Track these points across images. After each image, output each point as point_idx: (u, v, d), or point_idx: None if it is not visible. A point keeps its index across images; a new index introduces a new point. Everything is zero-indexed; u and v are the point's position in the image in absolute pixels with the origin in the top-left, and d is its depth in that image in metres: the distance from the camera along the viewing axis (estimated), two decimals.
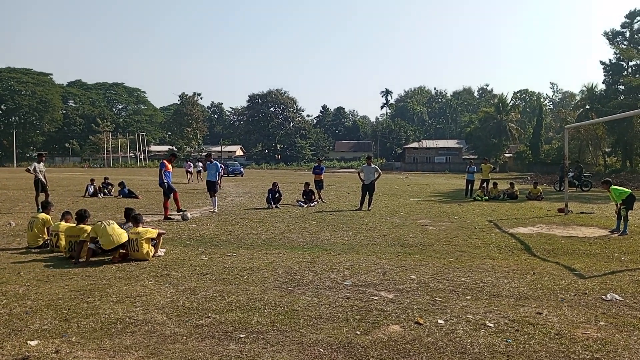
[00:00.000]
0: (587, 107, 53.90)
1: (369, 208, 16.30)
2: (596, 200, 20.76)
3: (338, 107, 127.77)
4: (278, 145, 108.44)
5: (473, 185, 22.26)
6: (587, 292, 6.23)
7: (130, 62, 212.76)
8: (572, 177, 26.18)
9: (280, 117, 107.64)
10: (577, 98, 76.00)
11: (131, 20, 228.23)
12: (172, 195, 13.83)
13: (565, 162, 17.14)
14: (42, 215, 9.38)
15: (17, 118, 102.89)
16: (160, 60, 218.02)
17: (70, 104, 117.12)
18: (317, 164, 20.30)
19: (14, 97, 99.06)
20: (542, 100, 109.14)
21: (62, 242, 8.51)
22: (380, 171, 17.12)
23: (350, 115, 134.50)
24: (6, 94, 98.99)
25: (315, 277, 6.92)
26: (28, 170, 15.30)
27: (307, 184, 18.76)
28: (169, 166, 14.10)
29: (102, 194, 21.41)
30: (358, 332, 4.73)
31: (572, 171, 26.48)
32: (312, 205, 17.56)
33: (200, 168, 34.54)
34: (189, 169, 35.31)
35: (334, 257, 8.46)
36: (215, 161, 16.40)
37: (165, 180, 13.73)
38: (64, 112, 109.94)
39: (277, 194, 17.28)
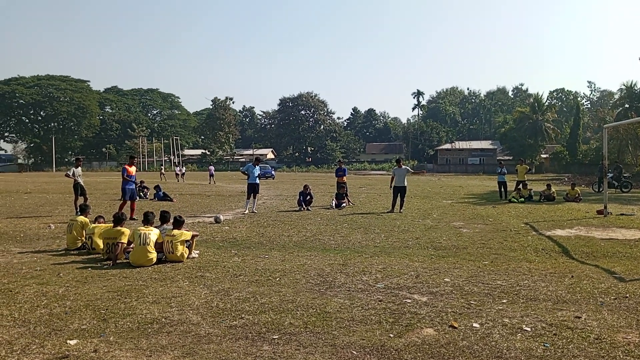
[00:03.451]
0: (627, 105, 52.48)
1: (401, 210, 16.19)
2: (636, 201, 20.12)
3: (369, 109, 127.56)
4: (309, 148, 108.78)
5: (506, 187, 21.85)
6: (627, 295, 6.04)
7: (165, 68, 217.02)
8: (611, 177, 25.45)
9: (311, 119, 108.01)
10: (616, 97, 74.00)
11: (165, 27, 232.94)
12: (128, 200, 14.26)
13: (604, 162, 16.65)
14: (81, 218, 9.63)
15: (56, 124, 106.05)
16: (193, 66, 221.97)
17: (107, 109, 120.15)
18: (338, 167, 20.14)
19: (52, 104, 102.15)
20: (579, 99, 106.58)
21: (98, 244, 8.72)
22: (411, 170, 17.11)
23: (381, 117, 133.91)
24: (45, 100, 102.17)
25: (347, 280, 6.90)
26: (67, 175, 15.74)
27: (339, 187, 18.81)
28: (130, 170, 14.41)
29: (137, 197, 21.85)
30: (391, 335, 4.69)
31: (611, 172, 25.74)
32: (342, 207, 17.54)
33: (184, 171, 47.11)
34: (176, 172, 46.04)
35: (365, 259, 8.43)
36: (258, 165, 16.63)
37: (129, 187, 14.24)
38: (101, 117, 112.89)
39: (309, 197, 17.32)
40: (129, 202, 14.40)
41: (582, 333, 4.71)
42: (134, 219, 13.56)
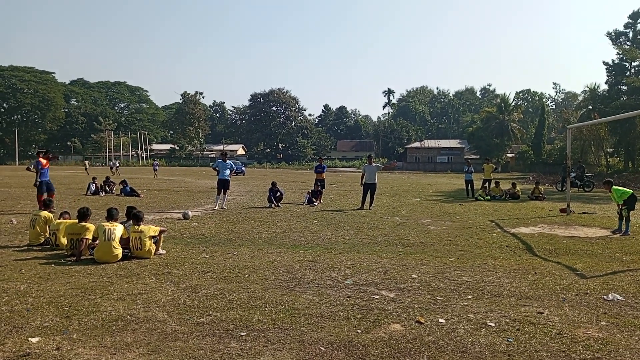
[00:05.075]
0: (590, 107, 53.85)
1: (371, 207, 16.29)
2: (598, 200, 20.72)
3: (340, 107, 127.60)
4: (280, 145, 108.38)
5: (473, 185, 22.21)
6: (588, 292, 6.22)
7: (133, 60, 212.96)
8: (574, 177, 26.14)
9: (282, 116, 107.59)
10: (580, 98, 75.97)
11: (133, 19, 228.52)
12: (45, 192, 14.06)
13: (568, 162, 17.12)
14: (44, 213, 9.40)
15: (19, 116, 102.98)
16: (162, 59, 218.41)
17: (73, 102, 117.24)
18: (318, 163, 20.36)
19: (16, 96, 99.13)
20: (544, 100, 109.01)
21: (62, 241, 8.53)
22: (381, 167, 17.30)
23: (352, 115, 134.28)
24: (8, 92, 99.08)
25: (316, 276, 6.92)
26: (29, 169, 15.30)
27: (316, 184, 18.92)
28: (45, 163, 14.29)
29: (103, 192, 21.45)
30: (359, 331, 4.72)
31: (574, 171, 26.43)
32: (314, 204, 17.57)
33: (118, 165, 51.02)
34: (110, 165, 50.24)
35: (335, 256, 8.46)
36: (229, 161, 16.48)
37: (41, 180, 14.03)
38: (66, 110, 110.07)
39: (278, 193, 17.28)
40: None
41: (544, 328, 4.84)
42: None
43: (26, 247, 8.92)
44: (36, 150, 16.25)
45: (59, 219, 9.23)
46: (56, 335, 4.54)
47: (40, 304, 5.46)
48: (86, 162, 57.61)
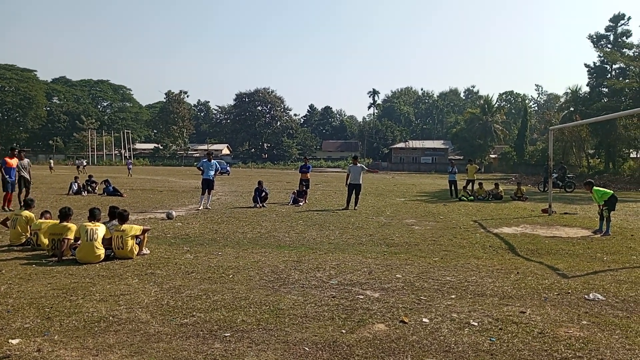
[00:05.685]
0: (572, 109, 54.58)
1: (356, 207, 16.33)
2: (579, 201, 21.00)
3: (325, 107, 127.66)
4: (265, 144, 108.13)
5: (456, 186, 22.35)
6: (570, 291, 6.30)
7: (116, 59, 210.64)
8: (556, 178, 26.44)
9: (268, 116, 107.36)
10: (562, 100, 76.84)
11: (117, 16, 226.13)
12: (11, 191, 14.05)
13: (550, 163, 17.31)
14: (26, 212, 9.26)
15: (0, 114, 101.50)
16: (146, 58, 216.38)
17: (55, 100, 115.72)
18: (303, 163, 20.37)
19: None
20: (527, 102, 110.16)
21: (44, 241, 8.41)
22: (365, 168, 17.47)
23: (337, 115, 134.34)
24: None
25: (301, 276, 6.91)
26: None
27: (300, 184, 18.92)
28: (10, 162, 14.27)
29: (86, 192, 21.20)
30: (343, 331, 4.73)
31: (556, 172, 26.74)
32: (299, 204, 17.55)
33: (85, 164, 51.69)
34: (76, 164, 49.96)
35: (320, 256, 8.46)
36: (214, 160, 16.37)
37: (6, 177, 14.04)
38: (48, 108, 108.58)
39: (264, 193, 17.23)
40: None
41: (527, 327, 4.89)
42: (10, 210, 13.44)
43: (7, 247, 8.78)
44: (9, 148, 16.01)
45: (40, 218, 9.10)
46: (37, 336, 4.47)
47: (21, 305, 5.38)
48: (50, 161, 57.21)
